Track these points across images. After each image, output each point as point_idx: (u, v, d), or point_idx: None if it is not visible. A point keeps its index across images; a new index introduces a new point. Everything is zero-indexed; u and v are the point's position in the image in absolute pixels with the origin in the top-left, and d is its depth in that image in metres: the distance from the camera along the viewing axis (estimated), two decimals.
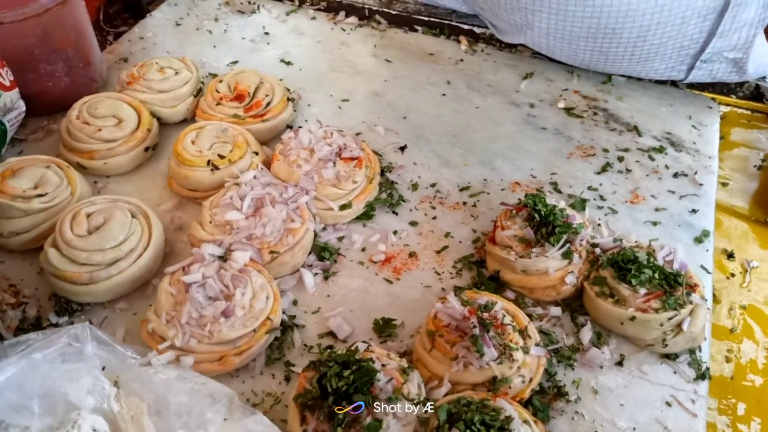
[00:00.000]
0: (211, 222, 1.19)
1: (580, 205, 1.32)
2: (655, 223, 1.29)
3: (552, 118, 1.53)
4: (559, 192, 1.35)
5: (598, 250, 1.15)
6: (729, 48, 1.44)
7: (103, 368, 0.97)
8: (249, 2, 1.88)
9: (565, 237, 1.13)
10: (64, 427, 0.89)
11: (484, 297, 1.07)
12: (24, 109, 1.39)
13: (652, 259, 1.09)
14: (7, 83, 1.31)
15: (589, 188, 1.36)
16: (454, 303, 1.04)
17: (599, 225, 1.27)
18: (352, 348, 1.00)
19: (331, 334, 1.12)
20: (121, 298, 1.16)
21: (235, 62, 1.66)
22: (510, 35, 1.63)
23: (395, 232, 1.28)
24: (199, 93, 1.50)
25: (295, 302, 1.16)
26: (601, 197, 1.34)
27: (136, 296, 1.16)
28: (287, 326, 1.11)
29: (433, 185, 1.37)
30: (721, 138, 1.53)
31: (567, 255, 1.13)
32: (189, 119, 1.49)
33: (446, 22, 1.76)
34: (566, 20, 1.47)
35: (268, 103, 1.45)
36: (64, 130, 1.36)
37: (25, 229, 1.20)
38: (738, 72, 1.51)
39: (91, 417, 0.91)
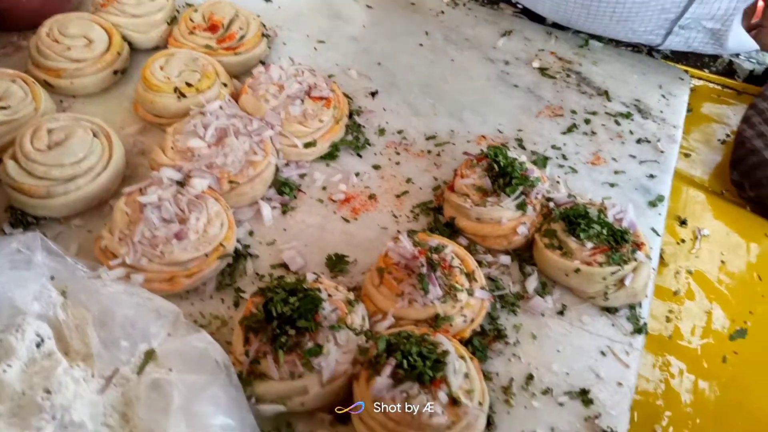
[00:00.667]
0: (173, 148, 1.19)
1: (542, 162, 1.33)
2: (612, 185, 1.31)
3: (525, 77, 1.54)
4: (523, 148, 1.37)
5: (551, 205, 1.17)
6: (708, 17, 1.44)
7: (52, 278, 0.98)
8: None
9: (520, 189, 1.14)
10: (9, 331, 0.90)
11: (435, 240, 1.09)
12: None
13: (602, 216, 1.11)
14: None
15: (553, 147, 1.37)
16: (405, 243, 1.05)
17: (558, 182, 1.29)
18: (301, 277, 1.02)
19: (284, 265, 1.13)
20: (77, 216, 1.16)
21: None
22: None
23: (357, 174, 1.29)
24: (173, 21, 1.49)
25: (251, 233, 1.18)
26: (564, 156, 1.36)
27: (93, 215, 1.16)
28: (241, 254, 1.13)
29: (400, 132, 1.38)
30: (690, 110, 1.55)
31: (521, 206, 1.15)
32: (161, 47, 1.47)
33: None
34: None
35: (242, 37, 1.44)
36: (33, 47, 1.34)
37: None
38: (714, 44, 1.52)
39: (36, 323, 0.92)
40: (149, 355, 0.92)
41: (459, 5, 1.71)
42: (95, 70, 1.35)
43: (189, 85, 1.30)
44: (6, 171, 1.12)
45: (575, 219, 1.11)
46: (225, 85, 1.34)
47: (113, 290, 0.97)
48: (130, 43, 1.44)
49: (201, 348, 0.91)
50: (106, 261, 1.05)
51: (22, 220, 1.13)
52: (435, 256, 1.05)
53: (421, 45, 1.59)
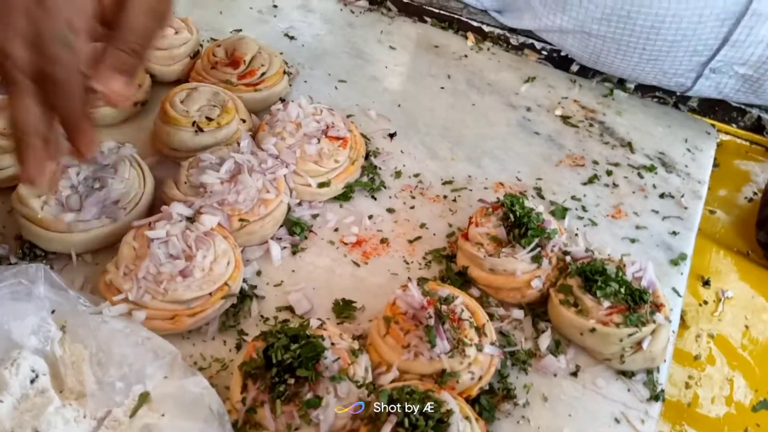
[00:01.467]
0: (186, 182, 1.18)
1: (560, 213, 1.30)
2: (633, 240, 1.27)
3: (547, 124, 1.51)
4: (542, 197, 1.34)
5: (568, 259, 1.13)
6: (741, 61, 1.41)
7: (53, 312, 0.96)
8: None
9: (536, 240, 1.11)
10: (3, 364, 0.89)
11: (446, 290, 1.06)
12: None
13: (620, 273, 1.07)
14: None
15: (573, 198, 1.34)
16: (414, 291, 1.02)
17: (576, 235, 1.26)
18: (305, 323, 0.99)
19: (290, 308, 1.11)
20: (90, 252, 1.14)
21: (239, 30, 1.65)
22: (517, 14, 1.60)
23: (370, 217, 1.26)
24: (196, 55, 1.49)
25: (258, 273, 1.15)
26: (584, 208, 1.32)
27: (105, 251, 1.14)
28: (246, 295, 1.10)
29: (416, 175, 1.36)
30: (716, 166, 1.51)
31: (536, 259, 1.11)
32: (183, 80, 1.47)
33: (456, 16, 1.74)
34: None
35: (263, 74, 1.43)
36: None
37: (1, 167, 1.19)
38: (747, 92, 1.48)
39: (32, 357, 0.90)
40: (143, 398, 0.89)
41: (483, 50, 1.70)
42: None
43: (209, 119, 1.29)
44: (22, 200, 1.11)
45: (592, 275, 1.07)
46: (244, 121, 1.34)
47: (112, 327, 0.95)
48: (152, 75, 1.45)
49: (196, 393, 0.89)
50: (109, 296, 1.03)
51: (29, 252, 1.12)
52: (444, 308, 1.01)
53: (442, 88, 1.58)
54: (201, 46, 1.52)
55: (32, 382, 0.89)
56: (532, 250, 1.11)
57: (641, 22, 1.41)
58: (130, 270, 1.04)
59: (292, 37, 1.67)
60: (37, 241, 1.11)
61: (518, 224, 1.13)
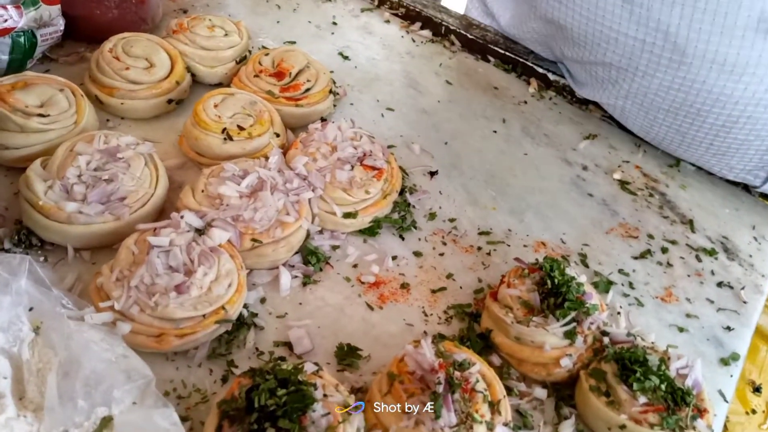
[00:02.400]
0: (203, 191, 1.10)
1: (604, 286, 1.17)
2: (681, 329, 1.13)
3: (602, 187, 1.39)
4: (586, 266, 1.21)
5: (606, 340, 1.00)
6: None
7: (30, 309, 0.88)
8: None
9: (573, 314, 0.99)
10: None
11: (463, 354, 0.94)
12: (62, 28, 1.33)
13: (663, 367, 0.94)
14: None
15: (620, 271, 1.21)
16: (426, 350, 0.91)
17: (618, 314, 1.13)
18: (299, 366, 0.88)
19: (289, 345, 1.00)
20: (89, 248, 1.06)
21: (293, 42, 1.58)
22: (587, 88, 1.50)
23: (394, 258, 1.16)
24: (242, 60, 1.42)
25: (262, 300, 1.05)
26: (631, 284, 1.19)
27: (105, 251, 1.06)
28: (244, 323, 1.00)
29: (452, 220, 1.25)
30: None
31: (570, 335, 0.99)
32: (225, 84, 1.40)
33: (521, 60, 1.64)
34: (651, 86, 1.33)
35: (308, 89, 1.35)
36: (93, 60, 1.29)
37: (16, 146, 1.12)
38: None
39: None
40: (105, 423, 0.80)
41: (545, 98, 1.60)
42: (149, 95, 1.28)
43: (240, 128, 1.21)
44: (28, 183, 1.04)
45: (631, 364, 0.94)
46: (277, 135, 1.25)
47: (88, 337, 0.86)
48: (193, 75, 1.38)
49: (163, 429, 0.78)
50: (97, 301, 0.94)
51: (25, 240, 1.04)
52: (457, 374, 0.89)
53: (495, 132, 1.47)
54: (249, 52, 1.45)
55: None
56: (566, 323, 0.99)
57: (712, 120, 1.30)
58: (124, 276, 0.96)
59: (346, 57, 1.59)
60: (35, 228, 1.04)
61: (555, 292, 1.01)
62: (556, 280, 1.02)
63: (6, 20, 1.17)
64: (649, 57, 1.30)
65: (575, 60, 1.49)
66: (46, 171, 1.07)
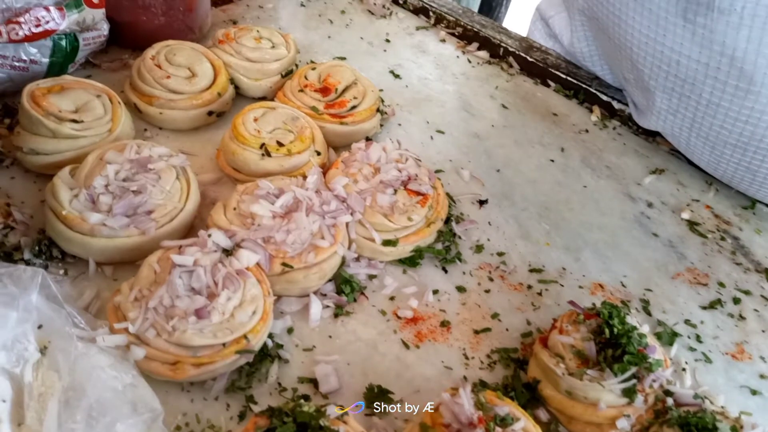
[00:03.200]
0: (235, 209, 1.03)
1: (668, 338, 1.05)
2: (754, 392, 1.00)
3: (669, 227, 1.27)
4: (649, 314, 1.10)
5: (670, 401, 0.89)
6: None
7: (40, 326, 0.81)
8: (384, 6, 1.74)
9: (633, 370, 0.87)
10: None
11: (506, 407, 0.83)
12: (106, 33, 1.29)
13: None
14: (95, 0, 1.22)
15: (687, 322, 1.09)
16: (465, 400, 0.81)
17: (684, 370, 1.01)
18: (322, 409, 0.79)
19: (314, 382, 0.91)
20: (112, 263, 1.00)
21: (343, 59, 1.52)
22: (649, 118, 1.39)
23: (436, 292, 1.06)
24: (288, 74, 1.36)
25: (290, 330, 0.97)
26: (698, 338, 1.07)
27: (128, 267, 0.99)
28: (267, 354, 0.92)
29: (500, 254, 1.15)
30: None
31: (629, 393, 0.87)
32: (269, 98, 1.35)
33: (584, 86, 1.54)
34: (715, 118, 1.22)
35: (354, 107, 1.28)
36: (134, 67, 1.25)
37: (46, 151, 1.08)
38: None
39: None
40: None
41: (608, 127, 1.49)
42: (189, 105, 1.23)
43: (280, 144, 1.14)
44: (53, 191, 0.99)
45: (698, 431, 0.82)
46: (318, 153, 1.18)
47: (95, 362, 0.79)
48: (237, 87, 1.33)
49: None
50: (112, 321, 0.88)
51: (46, 251, 0.99)
52: (499, 430, 0.79)
53: (552, 161, 1.37)
54: (296, 66, 1.39)
55: None
56: (625, 379, 0.88)
57: None
58: (143, 296, 0.89)
59: (397, 76, 1.52)
60: (57, 239, 0.98)
61: (614, 343, 0.90)
62: (615, 330, 0.91)
63: (48, 22, 1.13)
64: (714, 84, 1.19)
65: (636, 84, 1.38)
66: (74, 179, 1.01)
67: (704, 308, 1.12)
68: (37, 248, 0.99)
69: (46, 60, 1.19)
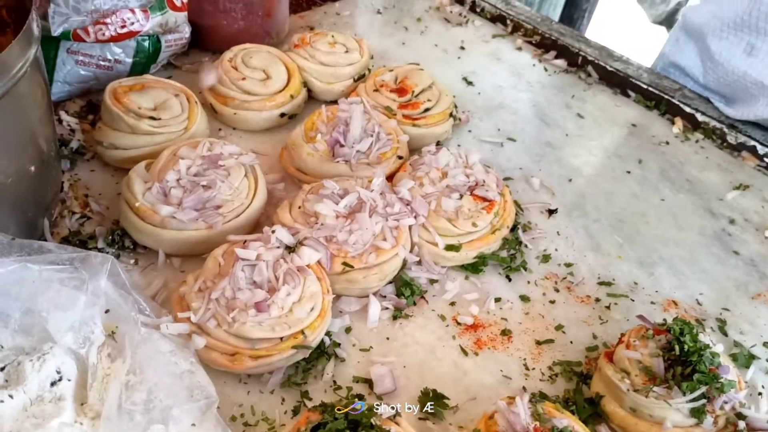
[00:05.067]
0: (300, 207, 1.04)
1: (745, 360, 0.99)
2: None
3: (751, 245, 1.20)
4: (725, 334, 1.04)
5: (742, 425, 0.83)
6: None
7: (107, 311, 0.84)
8: (461, 14, 1.73)
9: (703, 389, 0.83)
10: (34, 355, 0.78)
11: (565, 420, 0.80)
12: (188, 35, 1.34)
13: None
14: (178, 3, 1.27)
15: (766, 345, 1.03)
16: (521, 410, 0.79)
17: (760, 394, 0.94)
18: (376, 408, 0.79)
19: (369, 382, 0.91)
20: (180, 255, 1.03)
21: (416, 65, 1.52)
22: (750, 102, 1.30)
23: (498, 300, 1.04)
24: (360, 78, 1.37)
25: (347, 330, 0.97)
26: None
27: (196, 259, 1.02)
28: (324, 352, 0.92)
29: (568, 265, 1.11)
30: None
31: (698, 413, 0.82)
32: None
33: (666, 96, 1.48)
34: None
35: (427, 109, 1.28)
36: None
37: (125, 146, 1.12)
38: None
39: (62, 357, 0.78)
40: None
41: (690, 140, 1.43)
42: (262, 107, 1.26)
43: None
44: (129, 184, 1.03)
45: None
46: (400, 158, 1.18)
47: (157, 347, 0.81)
48: (310, 90, 1.35)
49: None
50: (177, 310, 0.90)
51: (119, 241, 1.03)
52: None
53: (628, 172, 1.32)
54: (369, 71, 1.40)
55: (53, 384, 0.77)
56: (694, 399, 0.83)
57: None
58: (206, 287, 0.91)
59: (470, 83, 1.50)
60: (129, 229, 1.02)
61: (684, 360, 0.86)
62: (686, 347, 0.86)
63: (133, 23, 1.19)
64: None
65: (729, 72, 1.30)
66: (148, 173, 1.05)
67: None
68: (110, 238, 1.03)
69: (129, 60, 1.24)
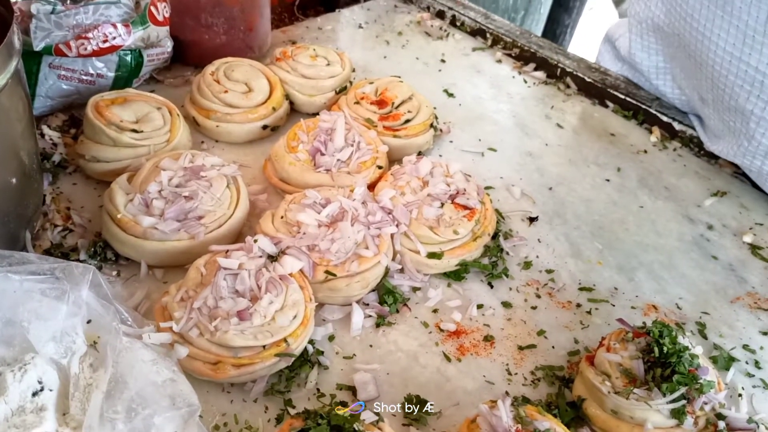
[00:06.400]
0: (282, 217, 1.05)
1: (724, 362, 1.01)
2: None
3: (729, 250, 1.22)
4: (704, 337, 1.05)
5: (722, 425, 0.84)
6: None
7: (89, 321, 0.84)
8: (441, 28, 1.76)
9: (683, 390, 0.84)
10: (13, 366, 0.77)
11: (546, 423, 0.81)
12: (170, 50, 1.35)
13: None
14: (160, 18, 1.28)
15: (745, 347, 1.04)
16: (503, 413, 0.79)
17: (740, 395, 0.96)
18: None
19: (353, 389, 0.91)
20: (162, 266, 1.04)
21: (397, 77, 1.53)
22: (721, 143, 1.34)
23: (480, 306, 1.05)
24: (342, 91, 1.39)
25: (331, 338, 0.98)
26: (757, 364, 1.01)
27: (178, 270, 1.02)
28: (308, 360, 0.93)
29: (549, 271, 1.13)
30: None
31: (678, 414, 0.83)
32: None
33: (644, 106, 1.51)
34: None
35: (408, 120, 1.29)
36: (195, 82, 1.30)
37: (107, 159, 1.13)
38: None
39: (44, 367, 0.78)
40: None
41: (668, 149, 1.45)
42: (244, 119, 1.27)
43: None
44: (111, 196, 1.03)
45: None
46: (380, 167, 1.19)
47: (138, 356, 0.81)
48: (292, 103, 1.36)
49: None
50: (159, 321, 0.90)
51: (101, 253, 1.03)
52: None
53: (607, 180, 1.34)
54: (350, 83, 1.41)
55: (34, 394, 0.76)
56: (674, 400, 0.84)
57: None
58: (189, 297, 0.91)
59: (451, 94, 1.52)
60: (111, 241, 1.02)
61: (663, 362, 0.87)
62: (665, 348, 0.87)
63: (114, 38, 1.19)
64: None
65: (713, 106, 1.33)
66: (131, 185, 1.06)
67: (765, 334, 1.06)
68: (92, 250, 1.03)
69: (111, 74, 1.25)
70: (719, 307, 1.11)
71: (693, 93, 1.40)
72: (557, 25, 3.23)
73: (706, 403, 0.85)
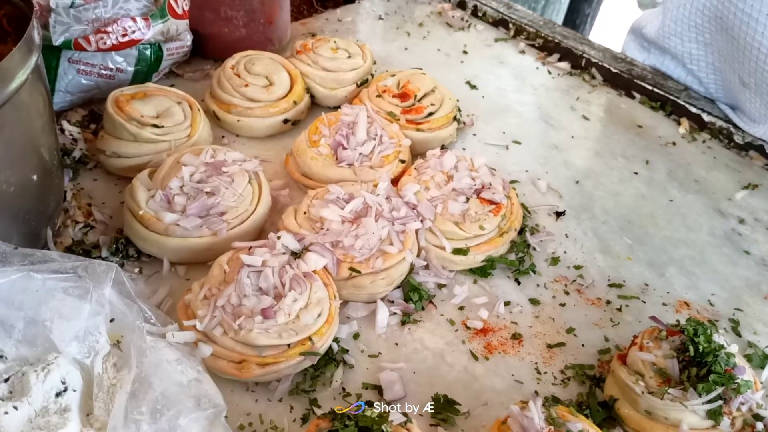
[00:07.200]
0: (305, 213, 1.03)
1: (760, 360, 0.98)
2: None
3: (762, 245, 1.19)
4: (738, 335, 1.02)
5: (760, 426, 0.82)
6: None
7: (112, 320, 0.83)
8: (462, 19, 1.73)
9: (719, 390, 0.81)
10: (36, 366, 0.76)
11: (579, 423, 0.79)
12: (189, 44, 1.34)
13: None
14: (179, 11, 1.26)
15: None
16: (535, 414, 0.77)
17: None
18: (385, 414, 0.77)
19: (379, 389, 0.89)
20: (184, 263, 1.02)
21: (419, 69, 1.51)
22: (758, 127, 1.31)
23: (507, 304, 1.02)
24: (363, 84, 1.36)
25: (356, 336, 0.96)
26: None
27: (200, 267, 1.00)
28: (332, 359, 0.91)
29: (577, 267, 1.10)
30: None
31: (714, 414, 0.81)
32: None
33: (672, 97, 1.47)
34: None
35: (430, 113, 1.27)
36: (215, 76, 1.29)
37: (128, 154, 1.12)
38: None
39: (67, 367, 0.77)
40: None
41: (697, 140, 1.41)
42: (265, 113, 1.25)
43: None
44: (132, 192, 1.02)
45: None
46: (402, 161, 1.17)
47: (163, 356, 0.80)
48: (313, 96, 1.34)
49: None
50: (182, 319, 0.89)
51: (123, 250, 1.02)
52: None
53: (636, 173, 1.31)
54: (372, 76, 1.39)
55: (58, 395, 0.75)
56: (710, 400, 0.81)
57: None
58: (212, 294, 0.90)
59: (474, 87, 1.49)
60: (133, 238, 1.01)
61: (698, 361, 0.84)
62: (700, 347, 0.85)
63: (134, 32, 1.18)
64: None
65: (755, 89, 1.29)
66: (152, 181, 1.04)
67: None
68: (114, 247, 1.02)
69: (131, 68, 1.23)
70: (752, 303, 1.08)
71: (733, 76, 1.36)
72: (577, 15, 3.18)
73: (743, 404, 0.83)
